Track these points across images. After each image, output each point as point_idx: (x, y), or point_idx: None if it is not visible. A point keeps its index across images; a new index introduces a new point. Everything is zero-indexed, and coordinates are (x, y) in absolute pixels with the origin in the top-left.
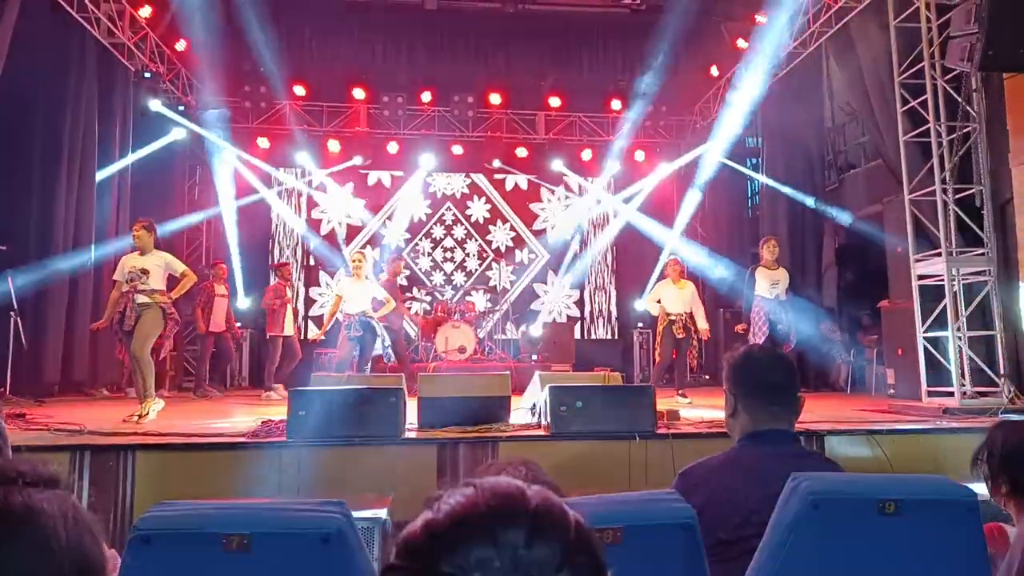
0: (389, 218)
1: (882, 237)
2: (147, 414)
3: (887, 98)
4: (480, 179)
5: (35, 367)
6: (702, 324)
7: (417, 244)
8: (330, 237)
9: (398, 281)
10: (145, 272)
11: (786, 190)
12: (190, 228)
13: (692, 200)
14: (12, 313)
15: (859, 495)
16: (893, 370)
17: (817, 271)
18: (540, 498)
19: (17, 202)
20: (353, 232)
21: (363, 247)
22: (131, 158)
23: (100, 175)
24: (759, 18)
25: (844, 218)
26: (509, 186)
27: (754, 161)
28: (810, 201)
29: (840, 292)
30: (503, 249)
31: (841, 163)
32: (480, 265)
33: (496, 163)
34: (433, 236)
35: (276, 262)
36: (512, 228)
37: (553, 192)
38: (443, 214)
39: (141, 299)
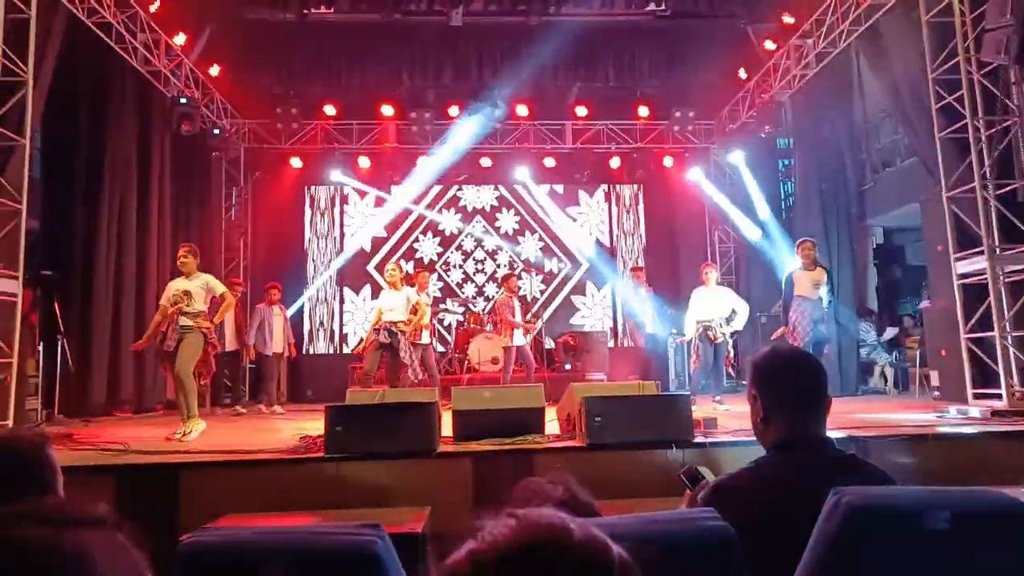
0: (423, 232)
1: (920, 236)
2: (190, 432)
3: (921, 95)
4: (512, 189)
5: (82, 388)
6: (736, 325)
7: (448, 257)
8: (361, 255)
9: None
10: (188, 295)
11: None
12: (228, 247)
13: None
14: (59, 336)
15: (906, 509)
16: (937, 372)
17: (854, 272)
18: (583, 534)
19: (62, 229)
20: (379, 246)
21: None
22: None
23: (141, 200)
24: (786, 19)
25: None
26: (539, 196)
27: (786, 162)
28: None
29: (879, 293)
30: (532, 260)
31: (875, 162)
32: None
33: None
34: (464, 248)
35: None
36: (541, 239)
37: (590, 196)
38: (473, 226)
39: (184, 322)
